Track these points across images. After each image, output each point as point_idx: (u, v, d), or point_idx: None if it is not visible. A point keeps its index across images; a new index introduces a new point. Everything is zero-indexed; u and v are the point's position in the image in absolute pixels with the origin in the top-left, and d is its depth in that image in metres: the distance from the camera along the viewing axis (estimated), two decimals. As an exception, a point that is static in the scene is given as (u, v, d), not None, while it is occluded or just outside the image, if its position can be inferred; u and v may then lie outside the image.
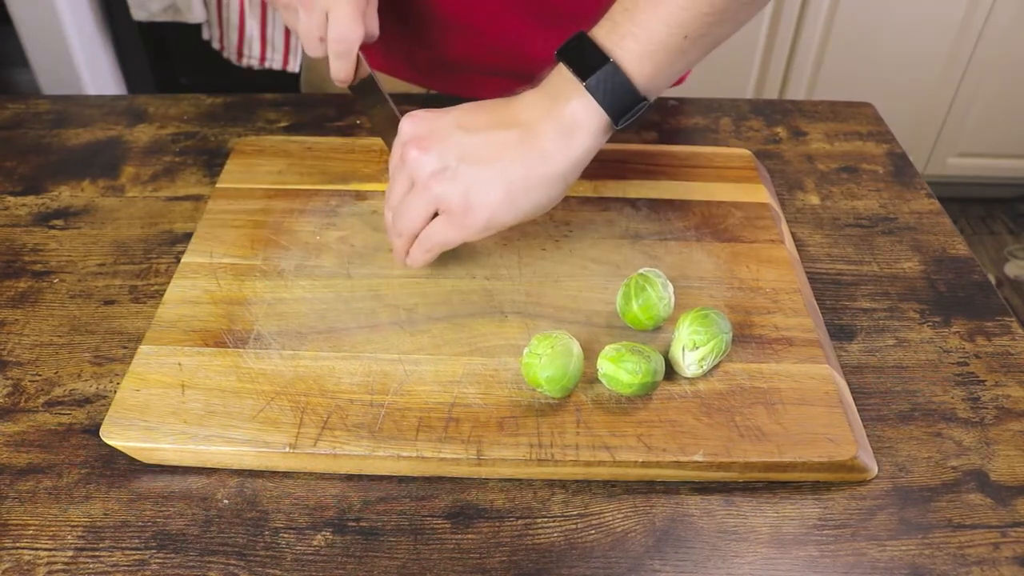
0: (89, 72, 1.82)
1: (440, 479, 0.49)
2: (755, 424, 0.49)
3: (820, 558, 0.45)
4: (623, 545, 0.46)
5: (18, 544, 0.45)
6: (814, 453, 0.48)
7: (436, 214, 0.54)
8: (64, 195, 0.70)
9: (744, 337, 0.55)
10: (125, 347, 0.56)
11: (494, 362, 0.53)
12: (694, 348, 0.51)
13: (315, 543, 0.46)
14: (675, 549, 0.46)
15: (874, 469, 0.50)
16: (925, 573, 0.45)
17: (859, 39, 1.86)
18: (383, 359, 0.53)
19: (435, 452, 0.48)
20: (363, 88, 0.65)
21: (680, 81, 0.88)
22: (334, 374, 0.52)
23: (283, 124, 0.79)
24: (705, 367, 0.51)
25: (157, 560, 0.44)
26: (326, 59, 0.62)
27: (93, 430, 0.51)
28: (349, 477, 0.49)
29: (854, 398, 0.53)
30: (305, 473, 0.49)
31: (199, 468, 0.49)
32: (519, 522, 0.47)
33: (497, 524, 0.47)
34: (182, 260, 0.60)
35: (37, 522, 0.46)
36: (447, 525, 0.47)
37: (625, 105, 0.52)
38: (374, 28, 0.63)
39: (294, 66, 1.75)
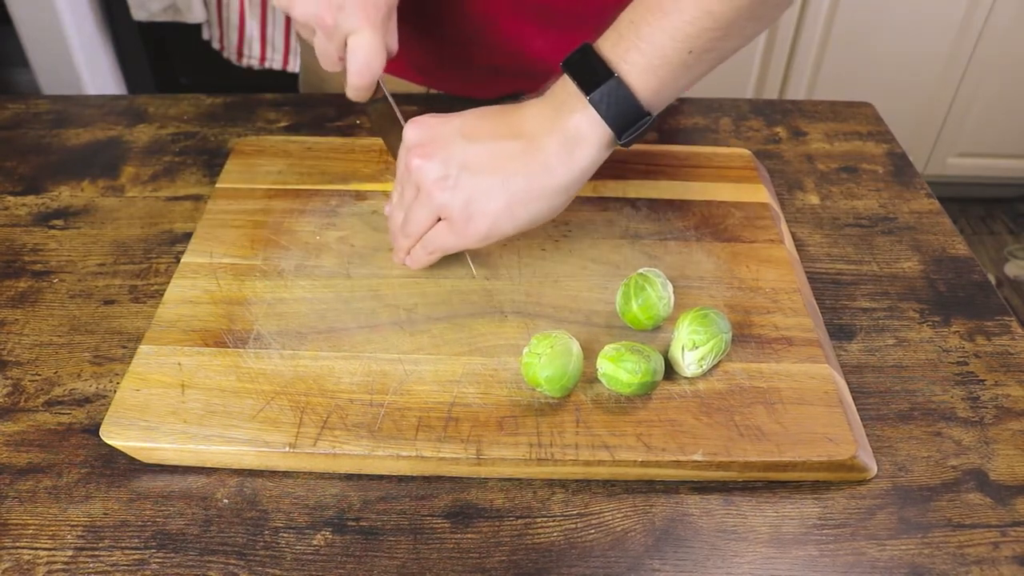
0: (89, 72, 1.82)
1: (440, 479, 0.49)
2: (755, 424, 0.49)
3: (820, 558, 0.45)
4: (623, 544, 0.46)
5: (18, 544, 0.45)
6: (814, 452, 0.48)
7: (439, 219, 0.55)
8: (64, 195, 0.70)
9: (744, 337, 0.55)
10: (125, 347, 0.56)
11: (494, 362, 0.53)
12: (694, 348, 0.51)
13: (315, 543, 0.46)
14: (675, 548, 0.46)
15: (873, 469, 0.50)
16: (925, 573, 0.45)
17: (859, 39, 1.86)
18: (383, 359, 0.53)
19: (435, 452, 0.48)
20: (371, 101, 0.65)
21: None
22: (334, 374, 0.52)
23: (283, 124, 0.79)
24: (705, 367, 0.52)
25: (157, 560, 0.45)
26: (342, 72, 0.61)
27: (93, 430, 0.51)
28: (349, 477, 0.49)
29: (854, 398, 0.53)
30: (305, 473, 0.49)
31: (199, 468, 0.49)
32: (519, 522, 0.47)
33: (497, 524, 0.47)
34: (182, 260, 0.60)
35: (37, 522, 0.46)
36: (447, 525, 0.47)
37: (628, 120, 0.51)
38: (394, 45, 0.62)
39: (294, 66, 1.75)
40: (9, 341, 0.57)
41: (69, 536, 0.46)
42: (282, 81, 1.80)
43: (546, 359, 0.49)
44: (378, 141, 0.73)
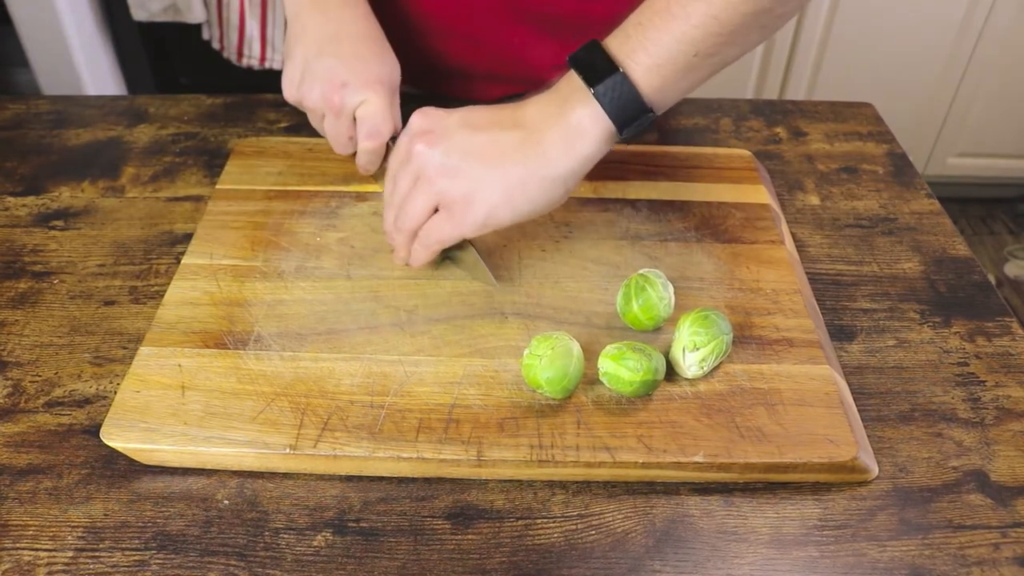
0: (89, 72, 1.82)
1: (440, 480, 0.49)
2: (755, 425, 0.49)
3: (820, 559, 0.45)
4: (623, 546, 0.46)
5: (18, 545, 0.45)
6: (814, 454, 0.48)
7: (436, 211, 0.55)
8: (64, 196, 0.70)
9: (744, 338, 0.55)
10: (125, 348, 0.56)
11: (494, 363, 0.53)
12: (694, 349, 0.51)
13: (315, 544, 0.46)
14: (675, 550, 0.46)
15: (874, 470, 0.50)
16: (925, 573, 0.45)
17: (859, 39, 1.86)
18: (383, 360, 0.53)
19: (435, 453, 0.48)
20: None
21: None
22: (334, 375, 0.52)
23: (283, 124, 0.79)
24: (705, 368, 0.51)
25: (157, 561, 0.44)
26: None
27: (93, 431, 0.51)
28: (349, 478, 0.49)
29: (854, 399, 0.53)
30: (305, 474, 0.49)
31: (199, 469, 0.49)
32: (519, 523, 0.47)
33: (497, 525, 0.47)
34: (182, 261, 0.60)
35: (37, 523, 0.46)
36: (447, 526, 0.47)
37: (631, 115, 0.52)
38: (399, 121, 0.63)
39: (294, 66, 1.75)
40: (9, 342, 0.57)
41: (69, 537, 0.46)
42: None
43: (547, 360, 0.49)
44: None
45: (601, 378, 0.51)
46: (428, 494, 0.48)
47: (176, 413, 0.49)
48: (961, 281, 0.64)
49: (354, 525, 0.47)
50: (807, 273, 0.63)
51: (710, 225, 0.65)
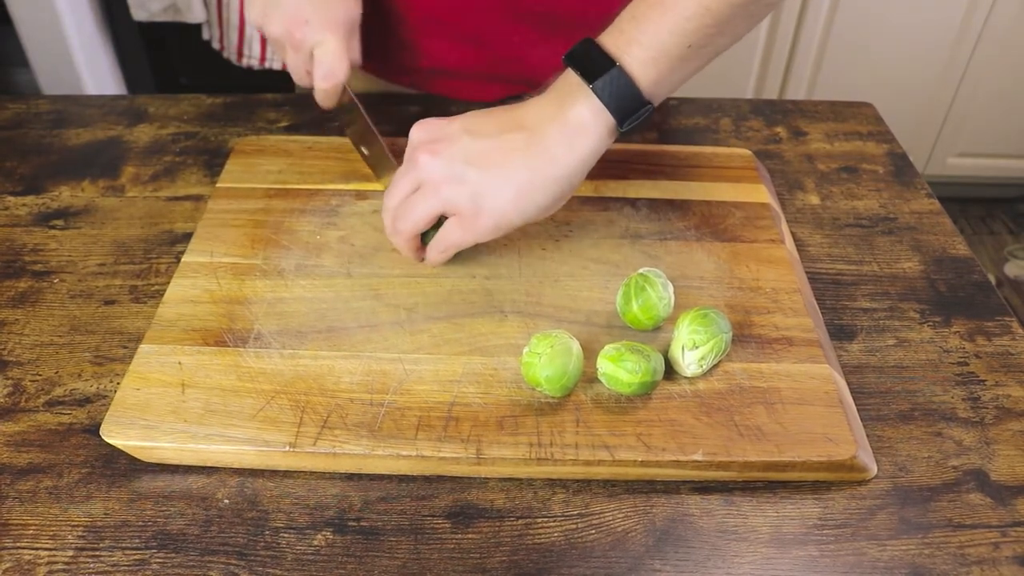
0: (89, 72, 1.82)
1: (440, 479, 0.49)
2: (755, 423, 0.49)
3: (820, 558, 0.45)
4: (623, 545, 0.46)
5: (18, 544, 0.45)
6: (813, 453, 0.48)
7: (441, 216, 0.55)
8: (64, 195, 0.70)
9: (744, 337, 0.55)
10: (125, 347, 0.56)
11: (494, 361, 0.53)
12: (694, 348, 0.51)
13: (315, 543, 0.46)
14: (675, 549, 0.46)
15: (873, 469, 0.50)
16: (925, 573, 0.45)
17: (859, 39, 1.86)
18: (383, 358, 0.53)
19: (435, 451, 0.48)
20: (344, 109, 0.67)
21: None
22: (334, 373, 0.52)
23: (283, 124, 0.79)
24: (705, 367, 0.51)
25: (157, 560, 0.45)
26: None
27: (93, 430, 0.51)
28: (349, 477, 0.49)
29: (854, 398, 0.53)
30: (305, 473, 0.49)
31: (199, 468, 0.49)
32: (519, 522, 0.47)
33: (497, 524, 0.47)
34: (182, 259, 0.60)
35: (37, 522, 0.46)
36: (447, 525, 0.47)
37: (630, 108, 0.53)
38: (357, 57, 0.66)
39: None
40: (9, 341, 0.57)
41: (70, 536, 0.46)
42: (282, 81, 1.79)
43: (546, 359, 0.49)
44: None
45: (600, 378, 0.51)
46: (428, 493, 0.48)
47: (176, 411, 0.49)
48: (961, 281, 0.64)
49: (354, 524, 0.47)
50: (807, 272, 0.63)
51: (710, 224, 0.65)
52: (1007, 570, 0.45)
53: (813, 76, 1.92)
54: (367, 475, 0.49)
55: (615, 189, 0.68)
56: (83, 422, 0.52)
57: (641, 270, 0.55)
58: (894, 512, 0.48)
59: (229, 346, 0.53)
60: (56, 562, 0.44)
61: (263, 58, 1.79)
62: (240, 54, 1.79)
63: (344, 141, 0.73)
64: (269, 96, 0.83)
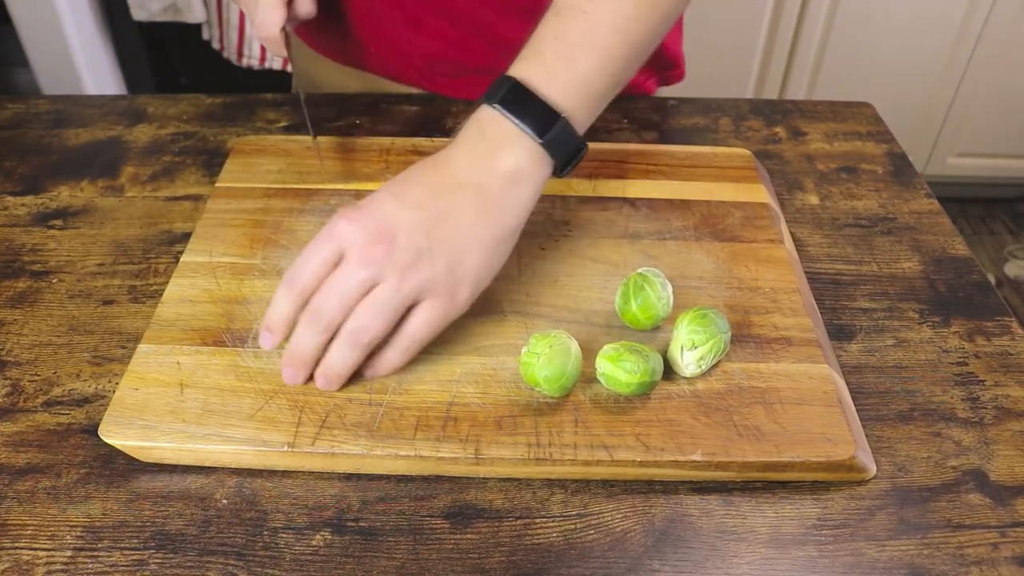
0: (89, 72, 1.82)
1: (439, 479, 0.49)
2: (753, 424, 0.49)
3: (819, 558, 0.45)
4: (622, 545, 0.46)
5: (17, 544, 0.45)
6: (812, 453, 0.48)
7: (406, 311, 0.50)
8: (63, 195, 0.70)
9: (743, 337, 0.55)
10: (124, 347, 0.56)
11: (492, 361, 0.53)
12: (693, 348, 0.51)
13: (314, 543, 0.46)
14: (674, 549, 0.46)
15: (872, 469, 0.49)
16: (924, 573, 0.45)
17: (859, 39, 1.86)
18: (382, 359, 0.53)
19: (433, 451, 0.48)
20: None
21: (679, 79, 0.88)
22: (333, 374, 0.52)
23: (283, 124, 0.79)
24: (704, 367, 0.51)
25: (156, 560, 0.44)
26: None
27: (92, 430, 0.51)
28: (348, 477, 0.49)
29: (853, 398, 0.53)
30: (304, 473, 0.49)
31: (198, 468, 0.49)
32: (518, 522, 0.47)
33: (496, 524, 0.47)
34: (181, 259, 0.60)
35: (36, 522, 0.46)
36: (446, 525, 0.47)
37: (571, 154, 0.53)
38: (305, 9, 0.67)
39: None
40: (8, 341, 0.57)
41: (68, 536, 0.46)
42: (282, 81, 1.80)
43: (545, 359, 0.49)
44: (378, 140, 0.73)
45: (598, 378, 0.51)
46: (427, 493, 0.48)
47: (174, 410, 0.49)
48: (960, 281, 0.64)
49: (353, 524, 0.47)
50: (806, 272, 0.63)
51: (709, 224, 0.65)
52: (1006, 570, 0.45)
53: (813, 76, 1.92)
54: (365, 475, 0.49)
55: (614, 189, 0.68)
56: (81, 422, 0.52)
57: (640, 270, 0.55)
58: (893, 512, 0.48)
59: (228, 346, 0.53)
60: (54, 562, 0.44)
61: (263, 58, 1.79)
62: (240, 54, 1.79)
63: (344, 141, 0.73)
64: (269, 96, 0.83)
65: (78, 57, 1.78)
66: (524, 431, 0.49)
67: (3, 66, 2.08)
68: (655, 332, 0.56)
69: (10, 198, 0.70)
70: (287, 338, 0.51)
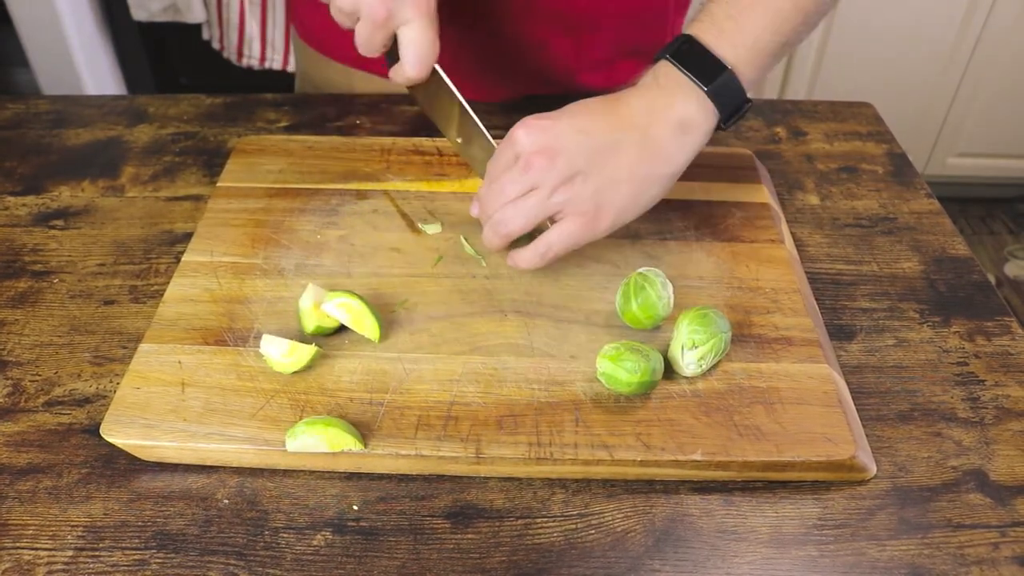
0: (89, 72, 1.82)
1: (440, 479, 0.49)
2: (754, 423, 0.49)
3: (820, 558, 0.45)
4: (623, 545, 0.46)
5: (18, 544, 0.45)
6: (812, 452, 0.48)
7: (550, 220, 0.56)
8: (64, 195, 0.70)
9: (743, 336, 0.55)
10: (125, 347, 0.56)
11: (493, 361, 0.53)
12: (693, 347, 0.51)
13: (315, 543, 0.46)
14: (675, 549, 0.46)
15: (873, 469, 0.50)
16: (924, 573, 0.45)
17: (859, 39, 1.86)
18: (382, 358, 0.53)
19: (434, 450, 0.48)
20: (427, 91, 0.63)
21: None
22: (333, 372, 0.52)
23: (283, 124, 0.79)
24: (704, 366, 0.51)
25: (157, 560, 0.45)
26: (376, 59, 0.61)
27: (93, 430, 0.51)
28: (349, 477, 0.49)
29: (853, 398, 0.53)
30: (305, 472, 0.49)
31: (199, 468, 0.49)
32: (519, 522, 0.47)
33: (497, 524, 0.47)
34: (183, 258, 0.60)
35: (37, 522, 0.46)
36: (447, 525, 0.47)
37: (735, 106, 0.56)
38: (439, 46, 0.62)
39: (294, 66, 1.75)
40: (9, 341, 0.57)
41: (69, 536, 0.46)
42: (282, 81, 1.80)
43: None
44: (379, 140, 0.73)
45: (599, 378, 0.51)
46: (428, 493, 0.48)
47: (176, 409, 0.49)
48: (961, 281, 0.64)
49: (354, 524, 0.47)
50: (807, 272, 0.63)
51: (710, 224, 0.65)
52: (1006, 570, 0.45)
53: (813, 76, 1.92)
54: (366, 475, 0.49)
55: (615, 189, 0.68)
56: (82, 422, 0.52)
57: (640, 269, 0.55)
58: (893, 512, 0.48)
59: (229, 345, 0.53)
60: (56, 562, 0.44)
61: (263, 58, 1.79)
62: (240, 54, 1.79)
63: (344, 140, 0.73)
64: (269, 96, 0.83)
65: (78, 57, 1.77)
66: (525, 430, 0.49)
67: (3, 66, 2.08)
68: (656, 332, 0.56)
69: (11, 198, 0.70)
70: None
